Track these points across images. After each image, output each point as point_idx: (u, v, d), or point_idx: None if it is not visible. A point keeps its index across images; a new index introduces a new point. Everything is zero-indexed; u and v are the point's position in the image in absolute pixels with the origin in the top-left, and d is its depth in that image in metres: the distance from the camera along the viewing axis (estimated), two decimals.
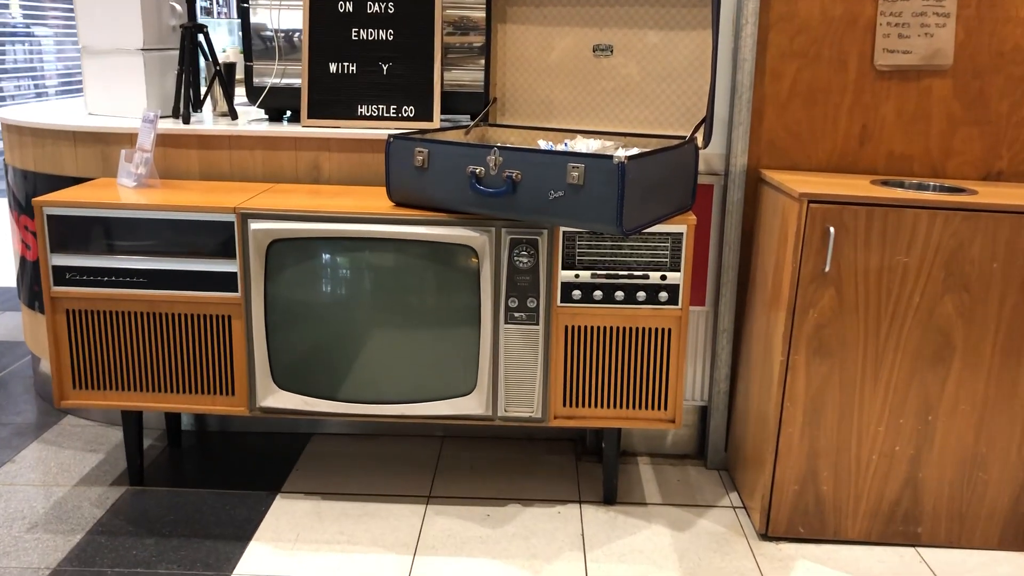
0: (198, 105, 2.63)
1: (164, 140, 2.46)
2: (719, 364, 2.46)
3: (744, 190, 2.34)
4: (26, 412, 2.82)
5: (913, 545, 2.15)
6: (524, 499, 2.33)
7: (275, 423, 2.71)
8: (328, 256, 2.12)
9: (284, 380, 2.20)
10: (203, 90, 2.70)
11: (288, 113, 2.68)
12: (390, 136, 2.14)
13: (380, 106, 2.49)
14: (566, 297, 2.10)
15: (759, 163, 2.35)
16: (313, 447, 2.61)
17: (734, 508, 2.31)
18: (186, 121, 2.50)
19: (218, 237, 2.13)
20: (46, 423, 2.74)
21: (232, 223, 2.11)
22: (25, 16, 7.56)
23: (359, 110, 2.49)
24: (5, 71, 7.27)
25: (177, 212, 2.12)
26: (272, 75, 2.57)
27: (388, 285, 2.13)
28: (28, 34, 7.62)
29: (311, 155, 2.47)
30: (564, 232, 2.06)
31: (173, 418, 2.57)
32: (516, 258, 2.06)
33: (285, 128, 2.48)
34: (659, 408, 2.17)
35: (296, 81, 2.56)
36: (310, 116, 2.50)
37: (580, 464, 2.52)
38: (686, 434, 2.59)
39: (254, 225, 2.09)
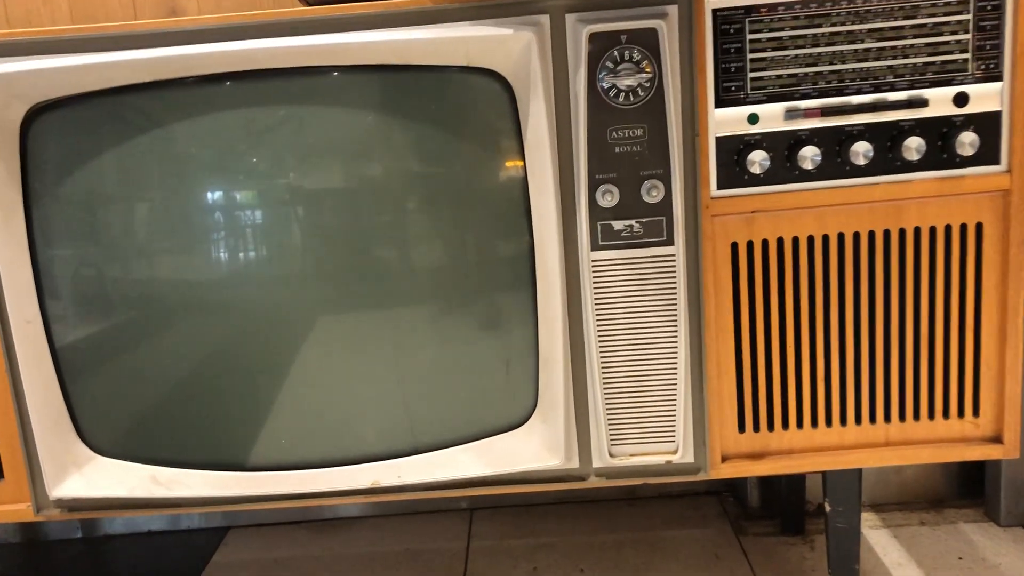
0: None
1: None
2: None
3: None
4: None
5: None
6: None
7: (160, 516, 1.48)
8: (179, 139, 0.92)
9: (109, 434, 0.98)
10: None
11: None
12: None
13: None
14: (730, 174, 0.89)
15: None
16: (229, 554, 1.38)
17: None
18: None
19: None
20: None
21: None
22: None
23: None
24: None
25: None
26: None
27: (327, 211, 0.92)
28: None
29: None
30: (717, 8, 0.85)
31: None
32: (606, 81, 0.85)
33: None
34: (960, 412, 0.94)
35: None
36: None
37: (746, 541, 1.29)
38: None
39: None
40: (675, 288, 0.90)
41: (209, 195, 0.94)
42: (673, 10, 0.84)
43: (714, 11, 0.85)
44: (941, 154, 0.88)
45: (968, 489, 1.34)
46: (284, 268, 0.94)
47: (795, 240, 0.90)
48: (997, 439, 0.94)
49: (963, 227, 0.90)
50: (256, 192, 0.94)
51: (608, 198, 0.87)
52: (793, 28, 0.86)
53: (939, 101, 0.87)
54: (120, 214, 0.94)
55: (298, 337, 0.95)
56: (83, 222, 0.93)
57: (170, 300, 0.95)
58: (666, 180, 0.87)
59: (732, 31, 0.86)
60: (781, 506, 1.31)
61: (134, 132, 0.93)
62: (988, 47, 0.86)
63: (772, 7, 0.85)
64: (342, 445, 0.97)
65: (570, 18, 0.85)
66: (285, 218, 0.94)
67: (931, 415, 0.94)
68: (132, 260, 0.94)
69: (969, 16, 0.85)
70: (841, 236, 0.90)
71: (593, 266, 0.90)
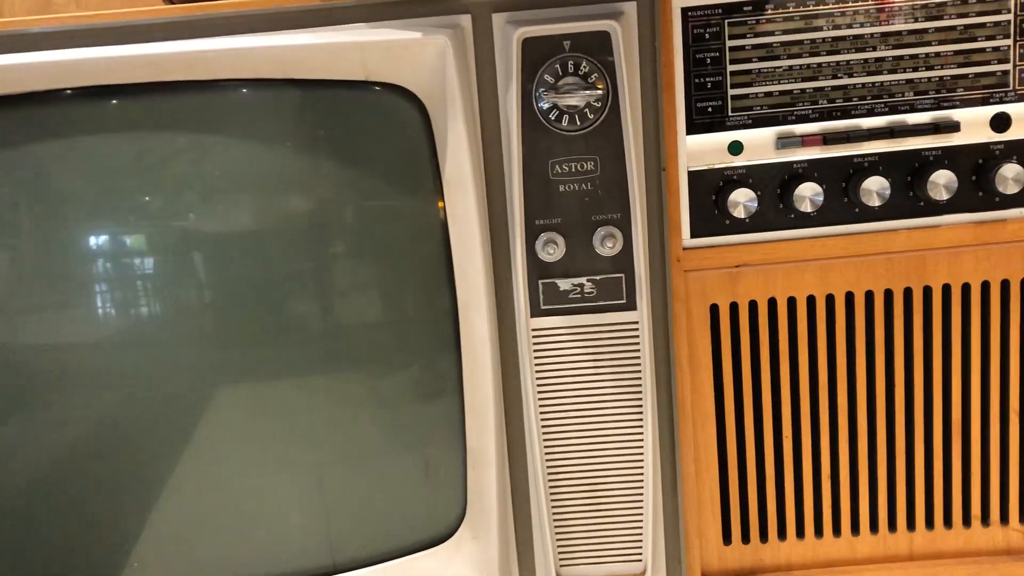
0: None
1: None
2: None
3: None
4: None
5: None
6: None
7: None
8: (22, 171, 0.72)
9: None
10: None
11: None
12: None
13: None
14: (707, 219, 0.69)
15: None
16: None
17: None
18: None
19: None
20: None
21: None
22: None
23: None
24: None
25: None
26: None
27: (223, 264, 0.72)
28: None
29: None
30: (688, 7, 0.66)
31: None
32: (546, 101, 0.66)
33: None
34: (1004, 518, 0.75)
35: None
36: None
37: None
38: None
39: None
40: (639, 363, 0.70)
41: (57, 232, 0.74)
42: (631, 8, 0.65)
43: (684, 10, 0.66)
44: (976, 192, 0.69)
45: None
46: (150, 323, 0.73)
47: (791, 301, 0.71)
48: None
49: (1004, 284, 0.71)
50: (113, 231, 0.74)
51: (551, 250, 0.68)
52: (786, 32, 0.67)
53: (973, 125, 0.68)
54: None
55: (174, 432, 0.75)
56: None
57: (21, 374, 0.75)
58: (625, 227, 0.67)
59: (707, 36, 0.67)
60: None
61: None
62: None
63: (758, 5, 0.66)
64: (231, 566, 0.76)
65: (498, 19, 0.65)
66: (150, 261, 0.74)
67: (966, 522, 0.74)
68: None
69: (1010, 16, 0.67)
70: (850, 296, 0.70)
71: (534, 336, 0.70)
